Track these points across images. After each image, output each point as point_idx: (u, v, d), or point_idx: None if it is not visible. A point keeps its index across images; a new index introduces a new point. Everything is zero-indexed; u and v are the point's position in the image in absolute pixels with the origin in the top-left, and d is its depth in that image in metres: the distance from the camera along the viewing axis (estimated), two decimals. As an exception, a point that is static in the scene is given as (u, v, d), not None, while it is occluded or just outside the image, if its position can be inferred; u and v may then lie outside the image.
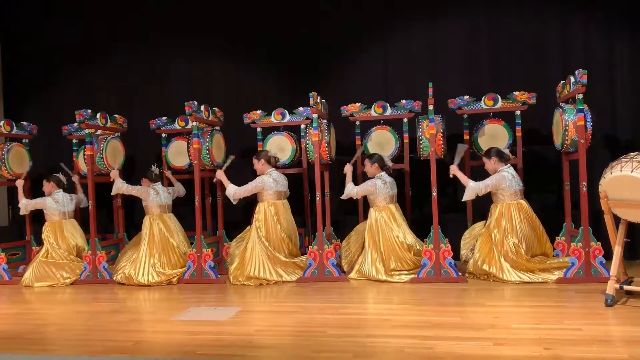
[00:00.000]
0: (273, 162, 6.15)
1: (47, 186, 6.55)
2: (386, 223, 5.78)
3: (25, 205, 6.52)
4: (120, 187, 6.17)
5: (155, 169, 6.39)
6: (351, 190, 5.92)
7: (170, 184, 6.75)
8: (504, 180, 5.54)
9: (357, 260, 5.95)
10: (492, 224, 5.56)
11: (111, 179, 6.30)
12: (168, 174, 6.87)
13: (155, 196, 6.22)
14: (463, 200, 5.74)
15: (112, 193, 6.30)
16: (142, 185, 6.33)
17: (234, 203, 6.06)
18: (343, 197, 6.00)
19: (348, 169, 6.03)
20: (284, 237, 5.96)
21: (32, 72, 8.05)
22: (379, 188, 5.84)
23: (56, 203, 6.44)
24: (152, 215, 6.21)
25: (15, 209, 7.12)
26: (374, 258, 5.74)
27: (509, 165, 5.66)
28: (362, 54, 7.16)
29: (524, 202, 5.59)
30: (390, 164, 6.05)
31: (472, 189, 5.54)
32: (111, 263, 6.45)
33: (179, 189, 6.68)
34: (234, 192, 5.96)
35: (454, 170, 5.65)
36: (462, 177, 5.64)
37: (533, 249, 5.55)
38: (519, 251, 5.41)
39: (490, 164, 5.67)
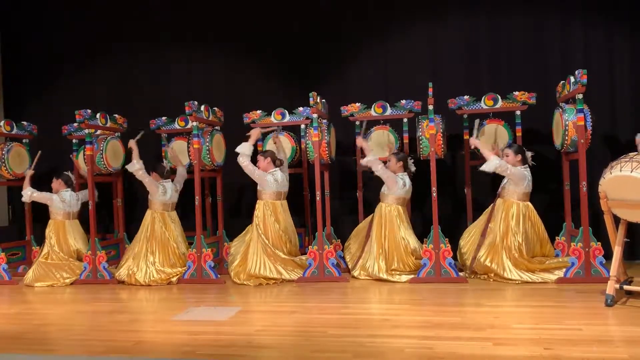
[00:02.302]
0: (278, 164, 6.15)
1: (55, 183, 6.48)
2: (393, 221, 5.78)
3: (31, 194, 6.39)
4: (137, 167, 6.10)
5: (167, 165, 6.37)
6: (375, 159, 5.82)
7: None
8: (525, 179, 5.51)
9: (360, 257, 5.96)
10: (499, 219, 5.54)
11: (129, 147, 6.24)
12: (173, 152, 6.75)
13: (163, 194, 6.20)
14: (480, 169, 5.60)
15: (128, 168, 6.18)
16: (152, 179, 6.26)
17: (240, 160, 5.91)
18: (364, 162, 5.86)
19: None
20: (282, 236, 5.97)
21: (32, 72, 8.05)
22: (399, 186, 5.82)
23: (62, 202, 6.40)
24: (155, 212, 6.21)
25: (17, 205, 7.06)
26: (379, 253, 5.74)
27: (527, 167, 5.62)
28: (362, 54, 7.16)
29: (530, 205, 5.59)
30: (413, 168, 6.02)
31: (494, 163, 5.43)
32: (111, 263, 6.44)
33: (180, 175, 6.53)
34: (243, 151, 5.93)
35: (474, 142, 5.65)
36: (485, 151, 5.59)
37: (533, 251, 5.56)
38: (521, 250, 5.42)
39: (512, 158, 5.54)
